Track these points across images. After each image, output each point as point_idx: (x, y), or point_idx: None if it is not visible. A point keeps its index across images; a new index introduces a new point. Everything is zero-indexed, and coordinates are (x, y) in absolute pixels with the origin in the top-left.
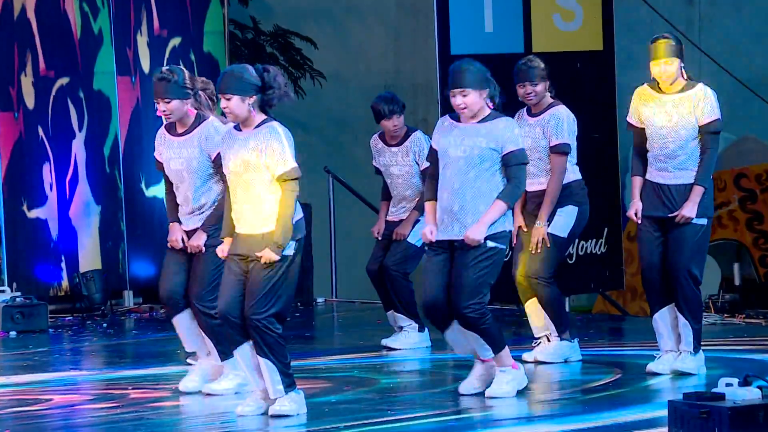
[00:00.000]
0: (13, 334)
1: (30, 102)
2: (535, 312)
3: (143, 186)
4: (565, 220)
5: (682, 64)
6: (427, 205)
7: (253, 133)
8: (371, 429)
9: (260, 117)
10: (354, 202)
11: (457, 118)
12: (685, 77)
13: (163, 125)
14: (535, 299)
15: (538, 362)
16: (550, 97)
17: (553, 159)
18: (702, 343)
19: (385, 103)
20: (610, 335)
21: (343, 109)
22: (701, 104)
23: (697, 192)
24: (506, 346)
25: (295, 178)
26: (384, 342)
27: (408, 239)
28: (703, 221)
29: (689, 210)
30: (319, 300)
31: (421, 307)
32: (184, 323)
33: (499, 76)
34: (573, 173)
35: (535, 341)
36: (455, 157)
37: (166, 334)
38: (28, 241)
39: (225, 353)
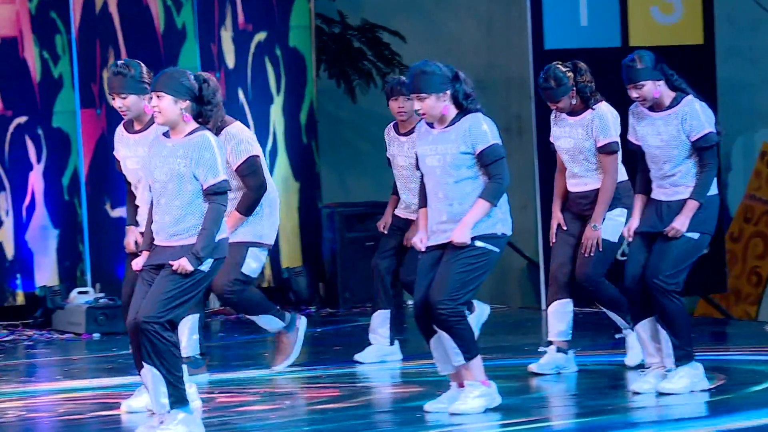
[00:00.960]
0: (96, 336)
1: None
2: (558, 313)
3: None
4: (614, 224)
5: (659, 82)
6: (420, 212)
7: (184, 141)
8: None
9: (192, 126)
10: None
11: (432, 123)
12: (673, 91)
13: (122, 122)
14: (563, 301)
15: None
16: (591, 94)
17: (603, 159)
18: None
19: (394, 83)
20: (713, 339)
21: None
22: (689, 120)
23: (690, 207)
24: (479, 357)
25: (225, 192)
26: (356, 356)
27: None
28: (695, 235)
29: (680, 223)
30: (410, 303)
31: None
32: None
33: (595, 71)
34: (620, 174)
35: (540, 349)
36: (432, 166)
37: (253, 336)
38: (112, 242)
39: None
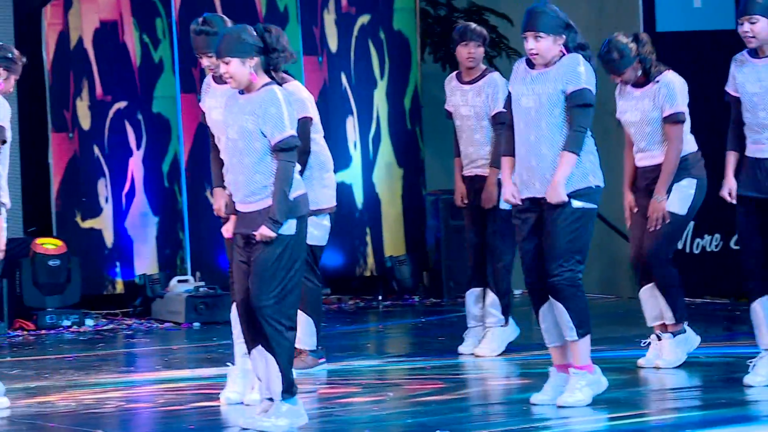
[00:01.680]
0: (196, 325)
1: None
2: (650, 298)
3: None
4: (682, 195)
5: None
6: (504, 161)
7: (254, 96)
8: (570, 429)
9: (263, 80)
10: None
11: (532, 64)
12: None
13: (211, 74)
14: (651, 285)
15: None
16: (653, 65)
17: (668, 129)
18: None
19: (464, 28)
20: None
21: None
22: None
23: None
24: (589, 337)
25: (292, 148)
26: (462, 349)
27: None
28: None
29: None
30: (516, 292)
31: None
32: None
33: (708, 55)
34: (688, 144)
35: (644, 342)
36: (527, 107)
37: (355, 326)
38: (213, 229)
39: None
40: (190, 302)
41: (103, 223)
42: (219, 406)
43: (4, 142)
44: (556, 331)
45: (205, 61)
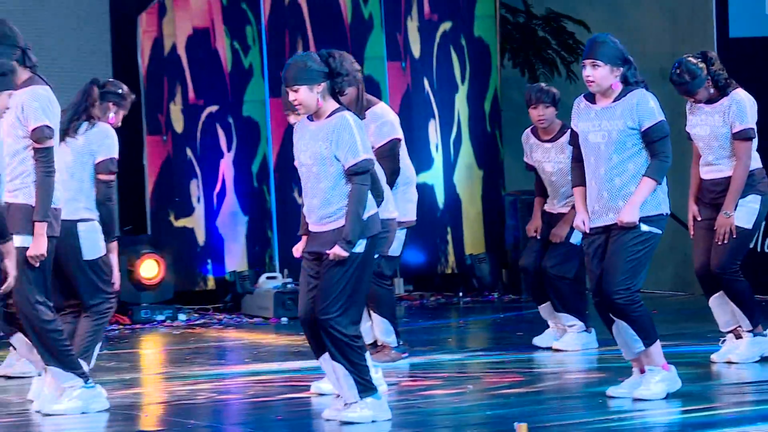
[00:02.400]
0: (284, 320)
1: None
2: (719, 306)
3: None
4: (748, 210)
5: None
6: (576, 191)
7: (324, 123)
8: (646, 422)
9: (332, 106)
10: None
11: (592, 99)
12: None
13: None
14: (720, 294)
15: (731, 363)
16: (726, 81)
17: (737, 146)
18: None
19: (533, 91)
20: None
21: None
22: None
23: None
24: (658, 342)
25: (366, 171)
26: (538, 341)
27: (569, 239)
28: None
29: None
30: None
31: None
32: None
33: None
34: (755, 160)
35: (721, 339)
36: (595, 143)
37: (437, 322)
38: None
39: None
40: (278, 298)
41: (196, 222)
42: (306, 397)
43: (114, 173)
44: (628, 347)
45: (292, 96)
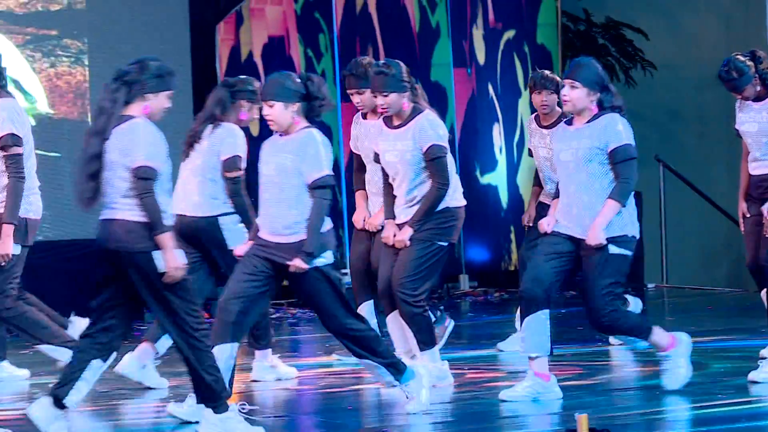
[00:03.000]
0: None
1: None
2: None
3: (478, 174)
4: None
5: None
6: (553, 202)
7: (292, 137)
8: (702, 413)
9: (303, 124)
10: (685, 190)
11: (570, 121)
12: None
13: (382, 117)
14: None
15: None
16: None
17: None
18: None
19: (538, 77)
20: None
21: (673, 99)
22: None
23: None
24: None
25: (328, 186)
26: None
27: None
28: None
29: None
30: (650, 286)
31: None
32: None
33: None
34: None
35: None
36: (566, 161)
37: (501, 316)
38: None
39: (425, 343)
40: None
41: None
42: (376, 388)
43: (239, 170)
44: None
45: (379, 100)
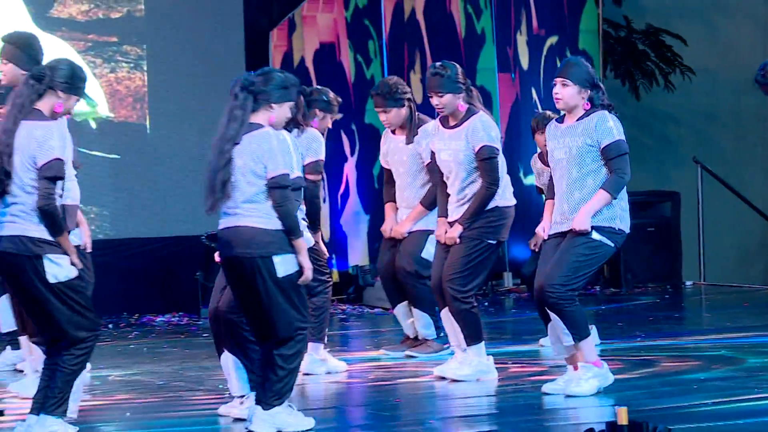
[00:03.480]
0: None
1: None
2: None
3: (521, 175)
4: None
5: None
6: (546, 203)
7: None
8: (738, 406)
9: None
10: (721, 191)
11: (561, 119)
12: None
13: (438, 117)
14: None
15: None
16: None
17: None
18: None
19: (540, 118)
20: None
21: (711, 103)
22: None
23: None
24: (590, 338)
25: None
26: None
27: None
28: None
29: None
30: (688, 283)
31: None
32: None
33: None
34: None
35: None
36: (559, 158)
37: None
38: None
39: (471, 338)
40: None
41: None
42: (424, 381)
43: (320, 173)
44: (560, 342)
45: (435, 100)
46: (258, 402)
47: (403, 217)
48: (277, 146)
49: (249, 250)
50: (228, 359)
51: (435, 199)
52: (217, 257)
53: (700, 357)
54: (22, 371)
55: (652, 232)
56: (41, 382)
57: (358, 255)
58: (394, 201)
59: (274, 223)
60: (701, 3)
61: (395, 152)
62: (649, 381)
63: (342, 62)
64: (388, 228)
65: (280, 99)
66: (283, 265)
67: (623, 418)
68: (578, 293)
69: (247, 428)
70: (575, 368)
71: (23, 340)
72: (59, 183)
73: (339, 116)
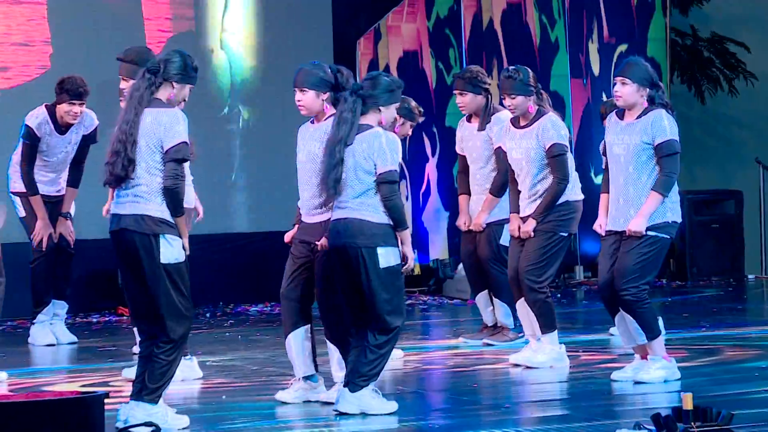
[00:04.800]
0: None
1: None
2: None
3: (592, 174)
4: None
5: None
6: (602, 197)
7: (321, 125)
8: None
9: (331, 111)
10: None
11: (621, 115)
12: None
13: (510, 119)
14: None
15: None
16: None
17: None
18: None
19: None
20: None
21: None
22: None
23: None
24: (661, 336)
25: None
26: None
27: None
28: None
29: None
30: (750, 277)
31: (597, 290)
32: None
33: None
34: None
35: None
36: (617, 154)
37: None
38: None
39: (546, 326)
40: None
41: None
42: (501, 368)
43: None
44: (627, 332)
45: (507, 101)
46: (346, 384)
47: (475, 204)
48: (386, 144)
49: (356, 241)
50: (290, 341)
51: (502, 185)
52: (287, 237)
53: (761, 346)
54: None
55: (717, 229)
56: (138, 368)
57: (438, 249)
58: (467, 193)
59: (381, 217)
60: (764, 12)
61: (469, 138)
62: (712, 369)
63: (424, 69)
64: (462, 222)
65: (387, 102)
66: (386, 256)
67: (688, 404)
68: (648, 288)
69: (334, 409)
70: (643, 357)
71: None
72: (185, 165)
73: (421, 119)
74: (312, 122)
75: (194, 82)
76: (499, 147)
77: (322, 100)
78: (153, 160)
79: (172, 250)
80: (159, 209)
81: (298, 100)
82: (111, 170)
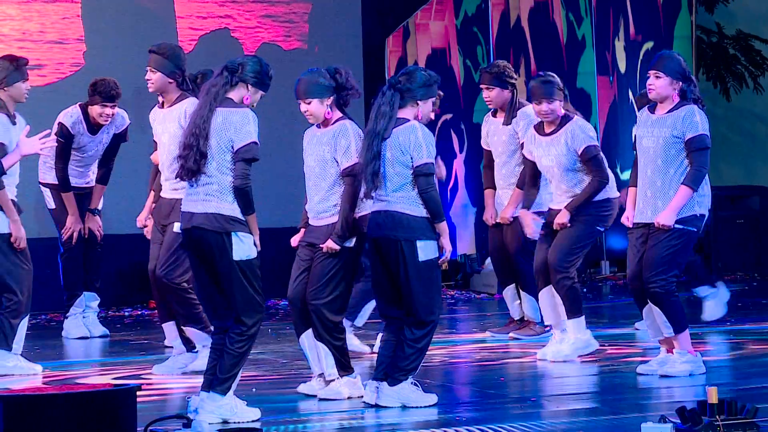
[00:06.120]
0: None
1: None
2: None
3: (618, 170)
4: None
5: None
6: (630, 190)
7: (328, 130)
8: None
9: (337, 115)
10: None
11: (653, 109)
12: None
13: (533, 125)
14: None
15: None
16: None
17: None
18: None
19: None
20: None
21: None
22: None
23: None
24: (687, 330)
25: (356, 174)
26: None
27: None
28: None
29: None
30: None
31: (627, 281)
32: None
33: None
34: None
35: None
36: (647, 147)
37: None
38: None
39: (572, 311)
40: None
41: None
42: (528, 361)
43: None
44: (655, 324)
45: (544, 106)
46: (384, 378)
47: (501, 198)
48: (422, 137)
49: (396, 233)
50: (304, 340)
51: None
52: (293, 241)
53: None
54: (171, 347)
55: (742, 224)
56: (210, 360)
57: (465, 244)
58: (492, 187)
59: (420, 210)
60: None
61: (494, 133)
62: (737, 363)
63: (452, 66)
64: (489, 216)
65: (424, 96)
66: (425, 250)
67: (713, 397)
68: (676, 281)
69: (375, 402)
70: (669, 351)
71: (166, 326)
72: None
73: (447, 116)
74: (318, 126)
75: (266, 89)
76: (524, 142)
77: (327, 105)
78: (224, 159)
79: (244, 247)
80: (230, 207)
81: (305, 111)
82: (183, 164)
